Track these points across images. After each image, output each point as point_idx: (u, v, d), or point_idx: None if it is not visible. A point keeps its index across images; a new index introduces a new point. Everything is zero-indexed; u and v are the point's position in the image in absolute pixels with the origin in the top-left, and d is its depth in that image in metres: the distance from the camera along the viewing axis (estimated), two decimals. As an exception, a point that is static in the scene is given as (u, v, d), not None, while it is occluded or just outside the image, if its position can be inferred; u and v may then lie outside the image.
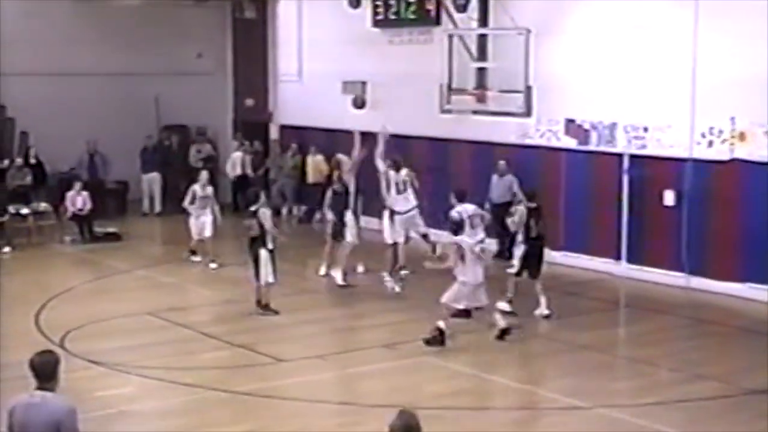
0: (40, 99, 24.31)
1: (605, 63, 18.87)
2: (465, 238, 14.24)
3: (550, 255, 19.69)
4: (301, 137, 25.30)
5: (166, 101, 26.57)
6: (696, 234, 17.76)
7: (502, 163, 20.25)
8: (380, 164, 17.90)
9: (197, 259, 19.56)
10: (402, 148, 22.40)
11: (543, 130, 20.00)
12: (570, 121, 19.62)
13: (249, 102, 27.37)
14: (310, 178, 24.74)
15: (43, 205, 22.78)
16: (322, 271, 18.44)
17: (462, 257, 14.00)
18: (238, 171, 25.37)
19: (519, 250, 16.18)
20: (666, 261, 18.15)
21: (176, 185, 26.72)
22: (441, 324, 13.96)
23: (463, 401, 12.14)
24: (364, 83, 23.62)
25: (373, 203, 18.42)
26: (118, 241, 22.25)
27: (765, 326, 15.16)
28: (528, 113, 19.20)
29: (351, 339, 15.10)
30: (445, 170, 21.71)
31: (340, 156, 19.38)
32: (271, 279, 15.71)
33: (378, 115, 22.78)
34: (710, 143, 17.52)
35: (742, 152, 17.11)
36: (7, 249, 20.97)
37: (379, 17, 22.86)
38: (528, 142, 20.30)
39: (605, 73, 18.86)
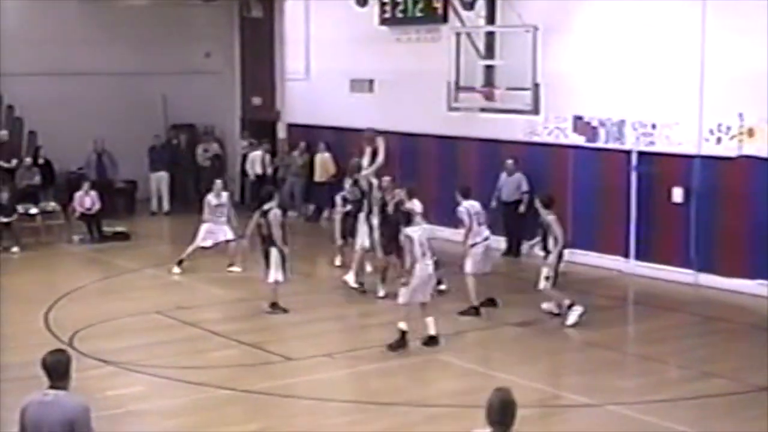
0: (48, 99, 24.36)
1: (613, 60, 18.85)
2: (413, 231, 14.10)
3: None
4: (309, 136, 25.31)
5: (173, 100, 26.62)
6: (705, 231, 17.74)
7: (509, 161, 20.24)
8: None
9: (177, 271, 18.81)
10: (410, 145, 22.51)
11: (551, 127, 19.98)
12: (578, 118, 19.61)
13: (256, 101, 27.40)
14: (318, 176, 24.76)
15: (52, 205, 22.83)
16: (338, 261, 18.71)
17: (411, 251, 13.89)
18: (258, 170, 25.31)
19: (550, 263, 15.34)
20: (675, 258, 18.13)
21: (184, 184, 26.87)
22: (402, 326, 13.82)
23: (472, 399, 12.08)
24: (371, 81, 23.65)
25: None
26: (126, 240, 22.28)
27: (774, 323, 15.15)
28: (536, 110, 19.20)
29: (360, 337, 15.10)
30: (453, 168, 21.72)
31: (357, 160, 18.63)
32: (280, 278, 15.67)
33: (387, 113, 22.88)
34: (719, 140, 17.49)
35: (751, 149, 17.08)
36: (15, 248, 21.01)
37: (387, 15, 22.86)
38: (536, 139, 20.29)
39: (613, 70, 18.84)
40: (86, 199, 22.17)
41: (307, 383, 12.85)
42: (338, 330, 15.53)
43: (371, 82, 23.66)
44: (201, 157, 26.98)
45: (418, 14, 22.21)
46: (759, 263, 16.99)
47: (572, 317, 14.99)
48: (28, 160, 23.59)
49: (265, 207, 15.80)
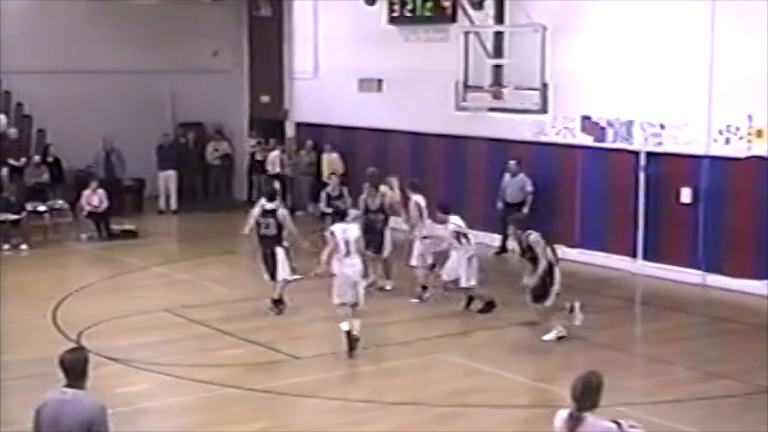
0: (57, 97, 24.41)
1: (622, 60, 18.82)
2: (339, 228, 13.95)
3: (565, 252, 19.76)
4: (317, 135, 25.32)
5: (182, 99, 26.67)
6: (713, 231, 17.72)
7: (512, 162, 20.21)
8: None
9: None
10: (418, 145, 22.52)
11: (559, 127, 19.97)
12: (586, 118, 19.59)
13: (265, 99, 27.42)
14: (325, 176, 24.71)
15: (60, 203, 22.88)
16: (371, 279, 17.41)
17: (331, 247, 13.74)
18: (278, 170, 25.27)
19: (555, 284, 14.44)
20: (682, 258, 18.11)
21: (192, 182, 26.92)
22: (343, 326, 13.58)
23: (479, 398, 12.14)
24: (379, 80, 23.65)
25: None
26: (134, 238, 22.33)
27: (782, 324, 15.13)
28: (544, 110, 19.19)
29: (367, 336, 15.06)
30: (461, 167, 21.73)
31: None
32: (289, 277, 15.64)
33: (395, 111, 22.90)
34: (727, 140, 17.47)
35: (760, 149, 17.05)
36: (24, 246, 21.07)
37: (395, 14, 22.85)
38: (544, 139, 20.27)
39: (622, 70, 18.82)
40: (94, 197, 22.21)
41: (314, 382, 12.85)
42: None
43: (379, 81, 23.66)
44: (211, 156, 27.03)
45: (427, 13, 22.21)
46: (767, 264, 16.96)
47: (551, 335, 14.35)
48: (37, 158, 23.64)
49: (269, 206, 15.63)
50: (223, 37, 27.56)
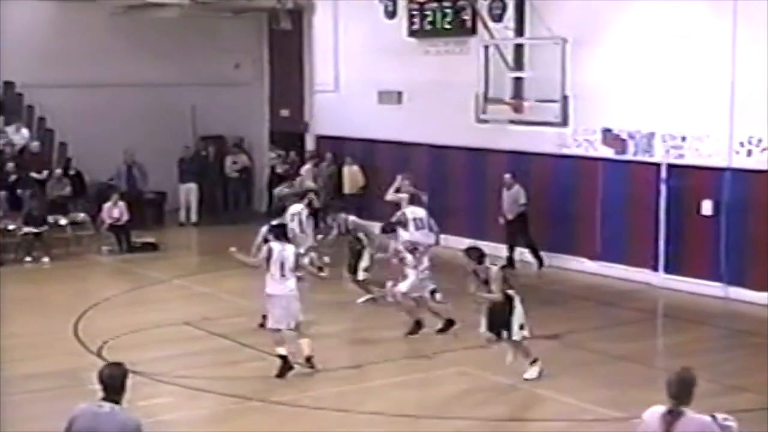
0: (79, 110, 24.55)
1: (643, 72, 18.78)
2: (276, 245, 13.32)
3: (585, 265, 19.73)
4: (337, 147, 25.36)
5: (202, 112, 26.76)
6: (734, 244, 17.63)
7: (507, 176, 20.19)
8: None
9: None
10: (438, 157, 22.52)
11: (580, 139, 19.93)
12: (607, 131, 19.54)
13: (285, 112, 27.49)
14: (347, 188, 24.75)
15: (81, 216, 22.98)
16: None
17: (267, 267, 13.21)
18: (311, 184, 24.94)
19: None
20: (704, 271, 18.02)
21: (213, 195, 26.99)
22: (281, 351, 13.16)
23: (500, 412, 12.11)
24: (399, 93, 23.68)
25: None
26: (155, 251, 22.39)
27: (804, 337, 15.02)
28: (565, 123, 19.17)
29: (388, 349, 15.08)
30: (481, 180, 21.71)
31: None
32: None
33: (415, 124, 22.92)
34: (749, 152, 17.39)
35: (782, 161, 17.00)
36: (46, 259, 21.17)
37: (415, 27, 22.89)
38: (565, 151, 20.24)
39: (643, 82, 18.77)
40: (115, 210, 22.30)
41: (335, 395, 12.84)
42: (366, 341, 15.49)
43: (399, 93, 23.69)
44: (229, 169, 27.10)
45: (447, 26, 22.23)
46: (789, 277, 16.88)
47: (532, 372, 13.19)
48: (59, 171, 23.76)
49: (275, 223, 15.26)
50: (244, 50, 27.66)
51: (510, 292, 13.09)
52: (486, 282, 13.01)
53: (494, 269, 13.16)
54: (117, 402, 7.00)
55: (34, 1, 24.94)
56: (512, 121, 20.13)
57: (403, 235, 16.41)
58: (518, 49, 20.36)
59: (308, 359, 13.40)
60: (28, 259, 21.14)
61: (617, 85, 19.16)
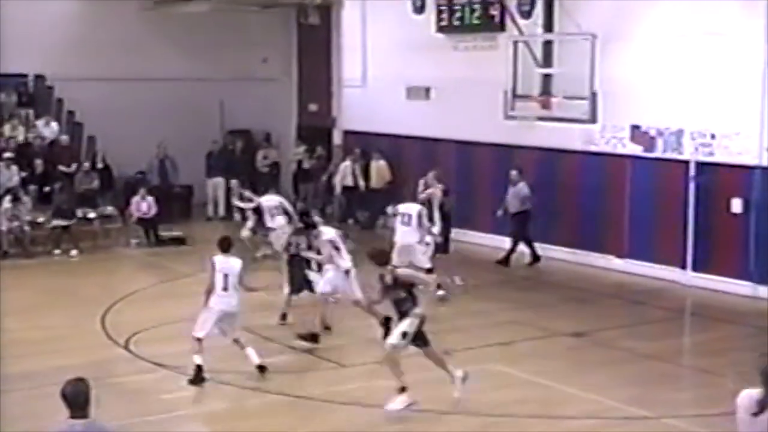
0: (108, 104, 24.66)
1: (672, 69, 18.66)
2: (218, 259, 12.99)
3: (613, 263, 19.64)
4: (365, 142, 25.35)
5: (230, 106, 26.82)
6: (764, 242, 17.49)
7: (514, 172, 20.16)
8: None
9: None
10: (466, 154, 22.47)
11: (608, 136, 19.83)
12: (636, 128, 19.44)
13: (312, 107, 27.50)
14: (373, 183, 24.75)
15: (110, 209, 23.09)
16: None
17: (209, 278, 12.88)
18: (349, 182, 25.05)
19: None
20: (733, 269, 17.91)
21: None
22: (196, 359, 12.74)
23: (526, 409, 12.07)
24: (427, 89, 23.65)
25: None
26: (182, 245, 22.46)
27: (834, 337, 14.89)
28: (593, 120, 19.09)
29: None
30: (509, 177, 21.63)
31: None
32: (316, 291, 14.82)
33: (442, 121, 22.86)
34: (780, 150, 17.27)
35: (813, 160, 16.86)
36: (74, 252, 21.28)
37: (443, 23, 22.84)
38: (593, 148, 20.15)
39: (672, 79, 18.65)
40: (143, 204, 22.40)
41: (360, 390, 12.83)
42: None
43: (427, 89, 23.66)
44: (260, 164, 27.12)
45: (475, 22, 22.17)
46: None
47: (397, 404, 11.82)
48: (87, 164, 23.87)
49: (301, 225, 15.28)
50: (272, 45, 27.71)
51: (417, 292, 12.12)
52: (389, 287, 12.07)
53: (402, 270, 12.59)
54: (84, 417, 6.85)
55: (65, -5, 25.14)
56: (540, 118, 20.07)
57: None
58: (547, 45, 20.29)
59: (260, 366, 12.97)
60: (56, 252, 21.26)
61: (646, 81, 19.05)
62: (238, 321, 13.19)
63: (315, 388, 12.62)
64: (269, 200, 20.12)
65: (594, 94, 18.66)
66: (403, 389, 11.73)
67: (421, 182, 18.80)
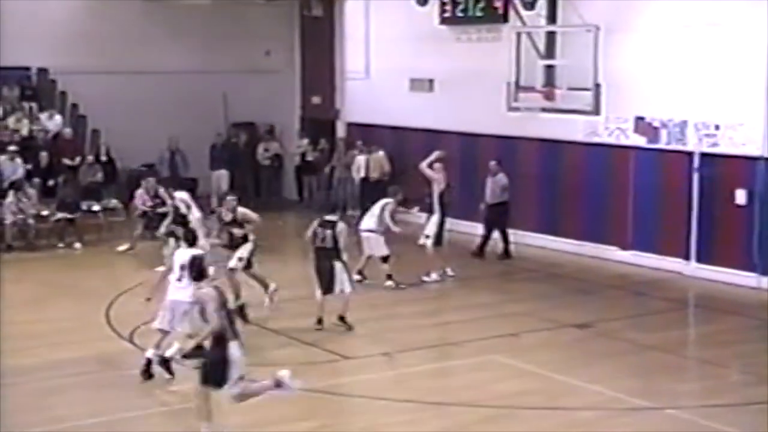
0: (111, 97, 24.63)
1: (676, 60, 18.63)
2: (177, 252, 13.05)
3: (617, 254, 19.64)
4: (368, 135, 25.33)
5: (234, 99, 26.79)
6: (768, 234, 17.50)
7: (493, 162, 20.11)
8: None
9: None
10: (469, 145, 22.46)
11: (612, 128, 19.81)
12: (639, 119, 19.42)
13: (316, 99, 27.49)
14: (372, 174, 24.71)
15: (114, 202, 23.08)
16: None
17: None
18: (363, 174, 24.92)
19: None
20: (737, 261, 17.90)
21: (243, 182, 27.02)
22: (149, 354, 12.64)
23: (530, 401, 12.08)
24: (431, 81, 23.63)
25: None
26: (186, 237, 22.43)
27: (838, 328, 14.89)
28: (596, 111, 19.07)
29: (417, 337, 15.07)
30: (513, 168, 21.61)
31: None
32: (347, 288, 14.96)
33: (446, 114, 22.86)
34: (783, 141, 17.26)
35: (816, 150, 16.84)
36: (78, 245, 21.30)
37: (447, 14, 22.80)
38: (596, 140, 20.13)
39: (676, 70, 18.63)
40: (147, 197, 22.36)
41: (363, 382, 12.86)
42: (395, 329, 15.47)
43: (431, 81, 23.64)
44: (261, 156, 27.13)
45: (479, 14, 22.13)
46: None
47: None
48: (90, 157, 23.87)
49: (330, 218, 14.98)
50: (275, 37, 27.67)
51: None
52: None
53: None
54: None
55: (68, -13, 25.13)
56: (544, 109, 20.04)
57: None
58: (550, 36, 20.27)
59: (165, 359, 12.72)
60: (60, 244, 21.28)
61: (650, 72, 19.03)
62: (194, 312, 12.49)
63: (318, 381, 12.62)
64: (181, 194, 19.52)
65: (597, 86, 18.64)
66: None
67: (428, 160, 18.69)
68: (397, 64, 24.20)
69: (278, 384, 10.83)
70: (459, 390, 12.49)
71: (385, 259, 17.62)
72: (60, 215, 21.44)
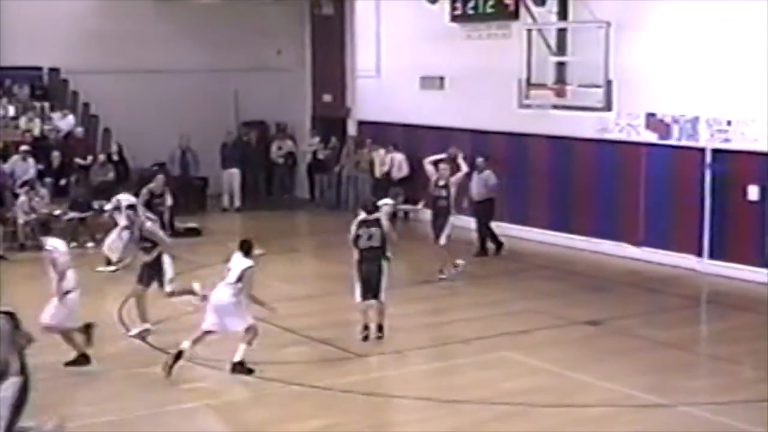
0: (123, 96, 24.73)
1: (687, 56, 18.61)
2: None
3: (629, 251, 19.62)
4: (379, 133, 25.35)
5: (245, 97, 26.85)
6: (781, 230, 17.46)
7: (480, 159, 20.09)
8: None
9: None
10: (480, 143, 22.45)
11: (623, 124, 19.80)
12: (651, 115, 19.40)
13: (327, 98, 27.51)
14: (378, 173, 24.71)
15: (126, 201, 23.09)
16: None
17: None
18: (386, 168, 24.70)
19: None
20: (749, 257, 17.86)
21: (255, 181, 27.11)
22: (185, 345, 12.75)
23: (542, 398, 12.08)
24: (442, 78, 23.63)
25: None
26: (198, 236, 22.50)
27: None
28: (608, 107, 19.04)
29: (430, 335, 15.09)
30: (524, 165, 21.63)
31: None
32: (383, 297, 14.29)
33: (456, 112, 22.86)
34: (796, 137, 17.21)
35: (829, 146, 16.79)
36: (90, 244, 21.35)
37: (457, 12, 22.82)
38: (608, 136, 20.11)
39: (687, 66, 18.60)
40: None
41: (376, 380, 12.88)
42: (408, 327, 15.47)
43: (442, 79, 23.65)
44: (275, 155, 27.18)
45: (489, 11, 22.14)
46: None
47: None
48: (102, 156, 23.92)
49: (370, 217, 14.35)
50: (286, 35, 27.71)
51: None
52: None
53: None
54: None
55: (79, -13, 25.20)
56: (555, 106, 20.03)
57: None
58: (561, 33, 20.25)
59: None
60: (73, 244, 21.28)
61: (661, 69, 19.00)
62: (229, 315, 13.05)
63: (332, 379, 12.65)
64: (127, 199, 19.11)
65: (609, 82, 18.61)
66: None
67: (435, 156, 18.75)
68: (407, 62, 24.21)
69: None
70: (471, 387, 12.49)
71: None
72: (72, 214, 21.50)
